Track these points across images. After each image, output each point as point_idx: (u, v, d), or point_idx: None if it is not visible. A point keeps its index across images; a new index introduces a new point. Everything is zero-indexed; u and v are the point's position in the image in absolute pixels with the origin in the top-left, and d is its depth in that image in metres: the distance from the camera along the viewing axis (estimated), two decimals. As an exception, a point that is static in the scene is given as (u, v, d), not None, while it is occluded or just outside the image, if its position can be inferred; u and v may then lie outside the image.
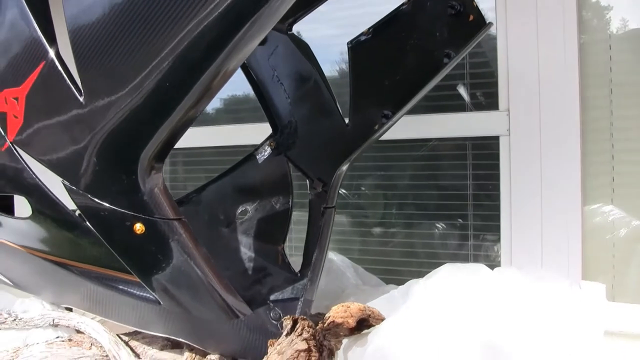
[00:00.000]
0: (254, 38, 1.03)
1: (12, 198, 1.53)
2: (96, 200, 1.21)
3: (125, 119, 1.11)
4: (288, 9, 1.01)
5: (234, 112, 2.89)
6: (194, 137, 2.47)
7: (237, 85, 2.68)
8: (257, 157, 1.84)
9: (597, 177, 2.19)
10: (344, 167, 1.65)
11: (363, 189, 2.60)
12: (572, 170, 2.17)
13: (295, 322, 1.16)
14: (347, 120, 1.70)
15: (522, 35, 2.21)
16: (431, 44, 1.57)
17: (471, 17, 1.52)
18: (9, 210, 1.51)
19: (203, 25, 0.99)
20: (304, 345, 1.11)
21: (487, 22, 1.51)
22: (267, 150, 1.82)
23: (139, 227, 1.19)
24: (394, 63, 1.63)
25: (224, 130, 2.78)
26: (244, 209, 1.81)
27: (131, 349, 1.49)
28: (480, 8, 1.52)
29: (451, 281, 1.35)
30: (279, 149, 1.81)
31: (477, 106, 2.40)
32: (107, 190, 1.20)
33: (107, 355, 1.44)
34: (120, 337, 1.50)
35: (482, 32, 1.51)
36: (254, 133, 2.01)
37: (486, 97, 2.36)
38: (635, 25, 2.16)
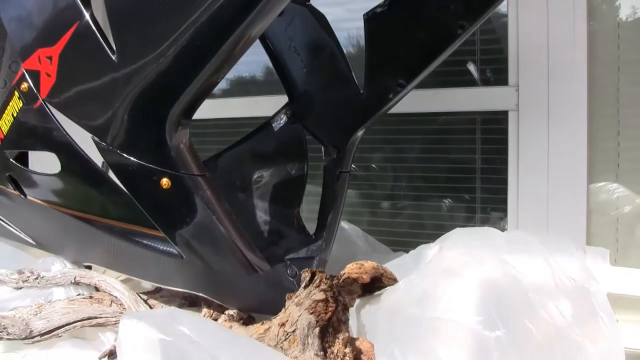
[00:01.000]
0: (275, 6, 1.08)
1: (27, 153, 1.58)
2: (125, 155, 1.26)
3: (156, 77, 1.17)
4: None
5: (248, 84, 2.93)
6: (209, 109, 2.53)
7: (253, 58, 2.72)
8: (273, 125, 1.88)
9: (603, 153, 2.24)
10: (359, 133, 1.70)
11: (373, 165, 2.64)
12: (579, 145, 2.22)
13: (313, 275, 1.21)
14: (362, 90, 1.72)
15: (532, 11, 2.25)
16: (445, 16, 1.60)
17: (485, -11, 1.56)
18: (23, 162, 1.56)
19: None
20: (321, 296, 1.16)
21: (501, -7, 1.55)
22: (283, 119, 1.87)
23: (165, 182, 1.25)
24: (409, 34, 1.66)
25: (239, 102, 2.82)
26: (260, 174, 1.86)
27: (150, 306, 1.54)
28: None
29: (462, 243, 1.40)
30: (295, 117, 1.85)
31: (487, 81, 2.44)
32: (136, 146, 1.26)
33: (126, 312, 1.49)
34: (139, 295, 1.56)
35: (495, 5, 1.54)
36: (269, 104, 2.06)
37: (496, 72, 2.41)
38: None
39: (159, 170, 1.23)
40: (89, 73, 1.25)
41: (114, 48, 1.19)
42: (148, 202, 1.30)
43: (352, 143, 1.69)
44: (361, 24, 1.68)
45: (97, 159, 1.35)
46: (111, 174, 1.34)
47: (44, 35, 1.31)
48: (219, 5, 1.06)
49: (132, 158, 1.25)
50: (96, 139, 1.28)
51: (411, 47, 1.65)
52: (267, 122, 1.87)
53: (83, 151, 1.36)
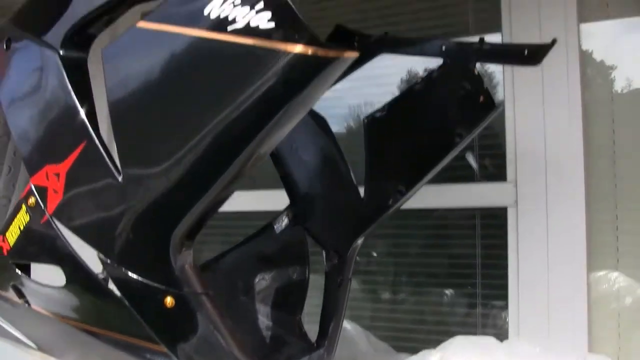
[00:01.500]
0: (286, 125, 1.11)
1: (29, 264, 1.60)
2: (129, 273, 1.28)
3: (160, 199, 1.19)
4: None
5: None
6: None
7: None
8: (275, 227, 1.90)
9: (602, 246, 2.26)
10: (360, 241, 1.72)
11: (374, 255, 2.66)
12: (578, 240, 2.24)
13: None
14: (362, 195, 1.75)
15: (529, 109, 2.30)
16: (443, 123, 1.65)
17: (482, 99, 1.60)
18: (27, 273, 1.57)
19: (237, 113, 1.07)
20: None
21: (497, 105, 1.59)
22: (285, 221, 1.89)
23: (169, 301, 1.26)
24: (408, 140, 1.70)
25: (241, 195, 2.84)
26: (262, 277, 1.87)
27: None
28: (490, 89, 1.60)
29: (463, 352, 1.40)
30: (297, 220, 1.87)
31: (485, 177, 2.47)
32: (140, 265, 1.27)
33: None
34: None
35: (492, 114, 1.59)
36: (270, 199, 2.08)
37: (494, 167, 2.44)
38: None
39: (162, 290, 1.25)
40: (95, 192, 1.28)
41: (119, 168, 1.21)
42: (151, 318, 1.31)
43: (352, 250, 1.71)
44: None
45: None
46: (114, 288, 1.35)
47: (52, 152, 1.34)
48: (224, 127, 1.08)
49: (135, 276, 1.27)
50: (101, 255, 1.30)
51: (410, 154, 1.69)
52: (268, 223, 1.89)
53: (87, 265, 1.38)
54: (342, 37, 1.84)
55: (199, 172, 1.14)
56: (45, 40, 1.35)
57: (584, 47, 2.30)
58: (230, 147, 1.12)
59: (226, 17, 1.04)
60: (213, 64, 1.07)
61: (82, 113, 1.28)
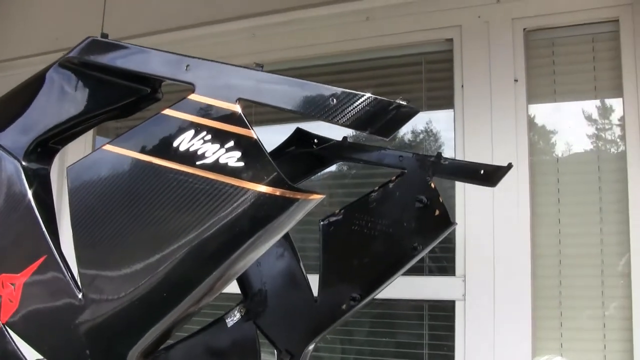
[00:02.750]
0: (249, 256, 1.13)
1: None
2: (84, 389, 1.27)
3: (119, 319, 1.19)
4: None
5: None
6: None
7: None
8: (227, 320, 1.90)
9: (547, 339, 2.31)
10: (311, 346, 1.73)
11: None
12: (524, 334, 2.29)
13: None
14: (316, 297, 1.76)
15: (479, 206, 2.36)
16: (399, 233, 1.68)
17: (437, 212, 1.64)
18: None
19: (201, 243, 1.09)
20: None
21: (453, 222, 1.62)
22: (237, 316, 1.89)
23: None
24: (363, 246, 1.73)
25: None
26: (212, 372, 1.86)
27: None
28: (445, 204, 1.64)
29: None
30: (249, 315, 1.87)
31: (435, 270, 2.51)
32: (96, 382, 1.26)
33: None
34: None
35: (448, 230, 1.62)
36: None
37: (443, 261, 2.48)
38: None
39: (119, 407, 1.24)
40: (52, 306, 1.27)
41: (80, 286, 1.21)
42: None
43: (306, 354, 1.71)
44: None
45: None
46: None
47: (10, 261, 1.33)
48: (188, 254, 1.10)
49: (91, 393, 1.26)
50: (56, 368, 1.28)
51: (364, 260, 1.71)
52: (221, 317, 1.89)
53: (40, 375, 1.36)
54: (300, 140, 1.87)
55: (158, 296, 1.15)
56: (7, 148, 1.35)
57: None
58: (191, 276, 1.13)
59: (195, 152, 1.06)
60: (178, 195, 1.09)
61: (43, 226, 1.28)
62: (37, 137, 1.31)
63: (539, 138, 2.45)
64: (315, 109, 1.00)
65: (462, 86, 2.48)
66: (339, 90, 0.99)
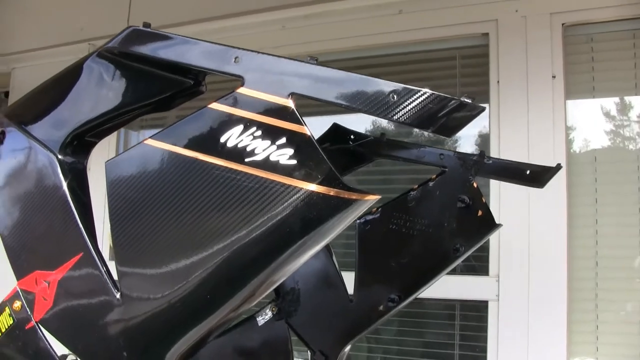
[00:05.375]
0: (298, 259, 1.08)
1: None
2: (120, 390, 1.22)
3: (157, 321, 1.14)
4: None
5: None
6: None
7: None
8: (258, 319, 1.85)
9: (582, 343, 2.25)
10: (347, 348, 1.68)
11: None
12: (559, 336, 2.23)
13: None
14: (351, 298, 1.71)
15: (514, 205, 2.30)
16: (439, 233, 1.62)
17: (480, 213, 1.58)
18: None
19: (248, 243, 1.03)
20: None
21: (497, 223, 1.57)
22: (269, 314, 1.84)
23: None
24: (401, 246, 1.67)
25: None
26: (242, 372, 1.82)
27: None
28: (489, 206, 1.58)
29: None
30: (280, 314, 1.82)
31: (468, 269, 2.46)
32: (133, 385, 1.22)
33: None
34: None
35: (492, 231, 1.57)
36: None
37: (477, 260, 2.43)
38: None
39: (155, 410, 1.19)
40: (89, 305, 1.22)
41: (118, 286, 1.16)
42: None
43: (341, 356, 1.67)
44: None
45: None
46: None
47: (44, 258, 1.28)
48: (234, 255, 1.05)
49: (127, 394, 1.21)
50: (92, 369, 1.24)
51: (404, 260, 1.66)
52: (251, 315, 1.84)
53: (73, 377, 1.32)
54: (337, 136, 1.82)
55: (200, 298, 1.10)
56: (43, 141, 1.30)
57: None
58: (235, 278, 1.08)
59: (244, 148, 1.01)
60: (225, 193, 1.04)
61: (80, 223, 1.23)
62: (73, 130, 1.27)
63: (576, 135, 2.39)
64: (374, 106, 0.94)
65: (498, 82, 2.42)
66: (400, 86, 0.93)
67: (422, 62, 2.69)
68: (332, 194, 0.97)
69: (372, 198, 0.98)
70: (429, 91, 0.92)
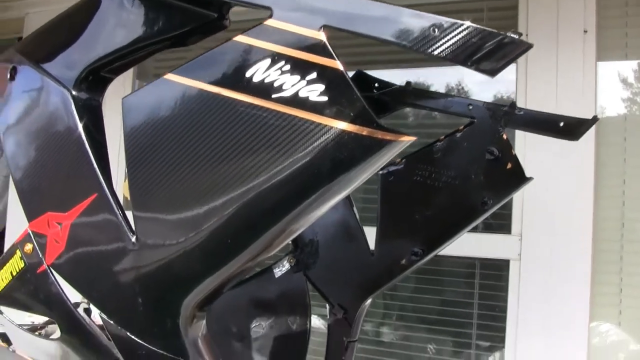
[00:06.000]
0: (324, 204, 1.02)
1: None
2: (135, 338, 1.18)
3: (175, 267, 1.10)
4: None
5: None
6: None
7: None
8: (275, 271, 1.81)
9: (605, 308, 2.20)
10: (368, 301, 1.63)
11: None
12: (581, 295, 2.18)
13: None
14: (372, 250, 1.66)
15: (539, 163, 2.23)
16: (466, 186, 1.57)
17: (509, 165, 1.52)
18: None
19: (272, 185, 0.98)
20: None
21: (527, 177, 1.50)
22: (286, 266, 1.80)
23: (177, 369, 1.16)
24: (426, 198, 1.62)
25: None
26: (258, 323, 1.78)
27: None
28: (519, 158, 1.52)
29: None
30: (299, 266, 1.78)
31: (489, 227, 2.40)
32: (147, 331, 1.18)
33: None
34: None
35: (522, 185, 1.51)
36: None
37: (499, 218, 2.37)
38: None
39: (171, 358, 1.15)
40: (103, 249, 1.18)
41: (134, 229, 1.11)
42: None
43: (361, 310, 1.62)
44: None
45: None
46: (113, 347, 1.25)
47: (56, 199, 1.24)
48: (257, 197, 0.99)
49: (142, 342, 1.17)
50: (104, 316, 1.20)
51: (428, 214, 1.61)
52: (268, 267, 1.80)
53: (85, 320, 1.28)
54: (360, 83, 1.75)
55: (221, 243, 1.05)
56: (56, 76, 1.24)
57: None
58: (258, 222, 1.02)
59: (271, 83, 0.94)
60: (250, 131, 0.98)
61: (94, 162, 1.18)
62: (88, 65, 1.21)
63: (606, 94, 2.30)
64: (413, 39, 0.87)
65: (527, 35, 2.33)
66: (441, 19, 0.86)
67: (448, 13, 2.58)
68: (364, 133, 0.91)
69: (408, 139, 0.92)
70: (472, 25, 0.85)
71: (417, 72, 2.63)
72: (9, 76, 1.33)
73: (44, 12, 3.25)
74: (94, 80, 1.23)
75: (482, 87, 2.55)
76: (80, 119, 1.20)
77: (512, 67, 2.35)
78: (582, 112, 1.85)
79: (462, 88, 2.58)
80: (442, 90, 2.57)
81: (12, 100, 1.33)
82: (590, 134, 2.05)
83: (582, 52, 2.24)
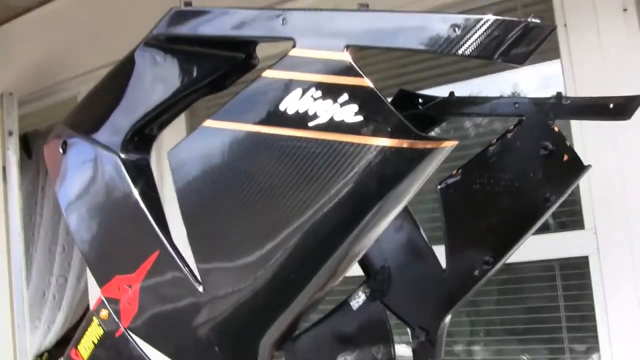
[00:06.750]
0: (380, 222, 1.02)
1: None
2: (218, 385, 1.19)
3: (245, 309, 1.10)
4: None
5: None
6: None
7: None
8: (352, 303, 1.80)
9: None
10: (448, 318, 1.62)
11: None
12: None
13: None
14: (444, 267, 1.65)
15: (601, 150, 2.19)
16: (526, 186, 1.55)
17: (566, 157, 1.50)
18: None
19: (326, 213, 0.98)
20: None
21: (585, 164, 1.48)
22: (362, 297, 1.79)
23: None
24: (489, 205, 1.61)
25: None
26: (343, 358, 1.77)
27: None
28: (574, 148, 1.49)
29: None
30: (374, 295, 1.77)
31: (561, 225, 2.36)
32: (228, 378, 1.18)
33: None
34: None
35: (582, 174, 1.48)
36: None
37: (570, 215, 2.33)
38: None
39: (254, 402, 1.15)
40: (173, 303, 1.20)
41: (199, 278, 1.12)
42: None
43: (442, 329, 1.60)
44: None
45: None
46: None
47: (122, 262, 1.26)
48: (314, 226, 0.99)
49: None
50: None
51: (493, 221, 1.59)
52: (344, 301, 1.79)
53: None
54: (404, 101, 1.75)
55: (287, 279, 1.06)
56: (104, 143, 1.28)
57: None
58: (319, 250, 1.03)
59: (306, 112, 0.95)
60: (294, 163, 0.98)
61: (152, 220, 1.20)
62: (132, 126, 1.24)
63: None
64: (436, 43, 0.87)
65: (565, 25, 2.29)
66: (460, 17, 0.86)
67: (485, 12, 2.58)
68: (405, 146, 0.91)
69: (450, 144, 0.92)
70: (491, 17, 0.85)
71: (465, 84, 2.61)
72: (61, 150, 1.37)
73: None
74: (140, 140, 1.25)
75: (531, 86, 2.52)
76: (132, 180, 1.23)
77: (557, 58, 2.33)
78: (633, 91, 1.82)
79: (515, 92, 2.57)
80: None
81: (67, 174, 1.37)
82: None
83: (625, 30, 2.20)
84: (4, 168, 3.37)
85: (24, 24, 3.81)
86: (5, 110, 3.39)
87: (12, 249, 3.38)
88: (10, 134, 3.40)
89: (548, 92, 2.34)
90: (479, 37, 0.85)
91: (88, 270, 3.36)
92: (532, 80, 2.50)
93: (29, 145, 4.35)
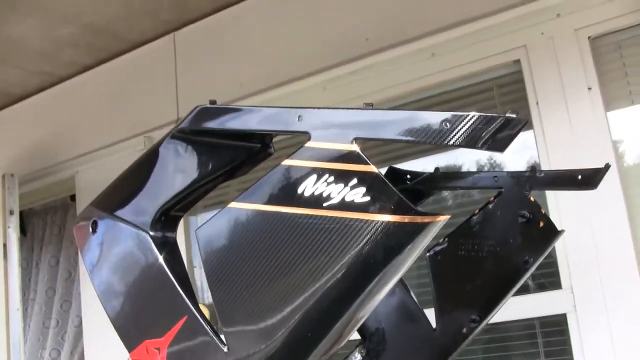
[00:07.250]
0: (382, 288, 1.18)
1: None
2: None
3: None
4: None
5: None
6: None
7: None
8: (348, 365, 1.93)
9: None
10: (441, 376, 1.75)
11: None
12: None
13: None
14: (434, 325, 1.79)
15: (574, 214, 2.36)
16: (507, 250, 1.70)
17: (541, 224, 1.67)
18: None
19: (338, 282, 1.13)
20: None
21: (559, 229, 1.65)
22: (358, 358, 1.91)
23: None
24: (473, 269, 1.75)
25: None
26: (342, 418, 1.88)
27: None
28: (549, 215, 1.66)
29: None
30: (370, 355, 1.89)
31: (540, 286, 2.51)
32: None
33: None
34: None
35: (556, 238, 1.65)
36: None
37: (548, 277, 2.48)
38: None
39: None
40: (200, 364, 1.32)
41: (224, 340, 1.27)
42: None
43: (436, 387, 1.74)
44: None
45: None
46: None
47: (151, 328, 1.39)
48: (326, 295, 1.14)
49: None
50: None
51: (478, 283, 1.74)
52: (341, 361, 1.92)
53: None
54: (394, 178, 1.92)
55: (303, 339, 1.20)
56: (132, 222, 1.43)
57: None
58: (331, 312, 1.17)
59: (321, 195, 1.12)
60: (311, 237, 1.14)
61: (180, 290, 1.34)
62: (160, 208, 1.39)
63: (621, 143, 2.45)
64: (430, 135, 1.05)
65: (537, 103, 2.51)
66: (449, 114, 1.04)
67: (462, 98, 2.78)
68: (407, 220, 1.07)
69: (443, 218, 1.09)
70: (475, 114, 1.03)
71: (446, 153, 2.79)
72: (91, 230, 1.52)
73: (92, 168, 3.52)
74: (167, 219, 1.41)
75: (513, 157, 2.70)
76: (161, 254, 1.38)
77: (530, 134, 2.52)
78: (599, 160, 2.01)
79: (494, 161, 2.74)
80: (474, 166, 2.74)
81: (98, 250, 1.51)
82: (615, 178, 2.20)
83: (591, 107, 2.41)
84: (4, 245, 3.47)
85: (25, 107, 3.99)
86: (7, 190, 3.52)
87: (11, 324, 3.44)
88: (12, 212, 3.53)
89: (524, 155, 2.55)
90: (465, 130, 1.03)
91: (84, 343, 3.49)
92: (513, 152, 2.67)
93: (23, 223, 4.46)
